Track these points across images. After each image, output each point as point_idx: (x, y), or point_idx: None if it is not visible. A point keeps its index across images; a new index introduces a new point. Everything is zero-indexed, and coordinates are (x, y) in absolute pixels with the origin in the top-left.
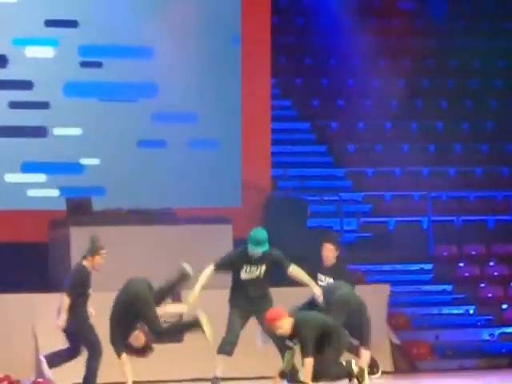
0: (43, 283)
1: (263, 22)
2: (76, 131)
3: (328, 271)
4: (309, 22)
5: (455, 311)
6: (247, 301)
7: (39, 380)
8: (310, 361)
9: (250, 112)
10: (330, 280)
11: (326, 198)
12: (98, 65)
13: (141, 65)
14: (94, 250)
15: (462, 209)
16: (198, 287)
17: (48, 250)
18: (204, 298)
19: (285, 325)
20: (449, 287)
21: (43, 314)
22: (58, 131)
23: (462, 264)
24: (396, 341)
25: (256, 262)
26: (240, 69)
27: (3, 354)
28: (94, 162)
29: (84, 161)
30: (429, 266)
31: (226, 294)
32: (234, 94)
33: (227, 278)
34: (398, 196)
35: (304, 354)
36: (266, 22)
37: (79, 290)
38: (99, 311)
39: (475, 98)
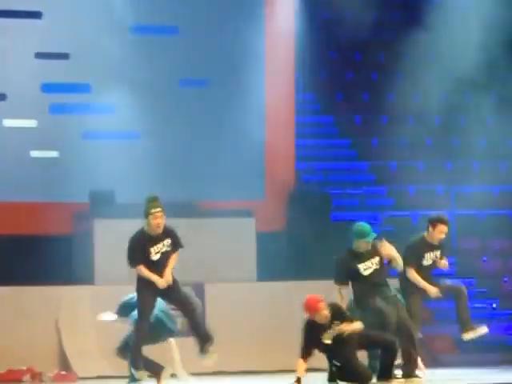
0: (67, 276)
1: (287, 15)
2: None
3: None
4: (334, 16)
5: (478, 305)
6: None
7: (62, 372)
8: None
9: (273, 105)
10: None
11: (349, 192)
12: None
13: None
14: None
15: (486, 203)
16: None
17: (72, 242)
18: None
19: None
20: (472, 281)
21: (66, 307)
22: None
23: (485, 258)
24: (419, 335)
25: (367, 257)
26: (264, 62)
27: (26, 347)
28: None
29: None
30: (452, 260)
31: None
32: (257, 87)
33: None
34: (422, 190)
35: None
36: (290, 14)
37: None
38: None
39: (500, 91)
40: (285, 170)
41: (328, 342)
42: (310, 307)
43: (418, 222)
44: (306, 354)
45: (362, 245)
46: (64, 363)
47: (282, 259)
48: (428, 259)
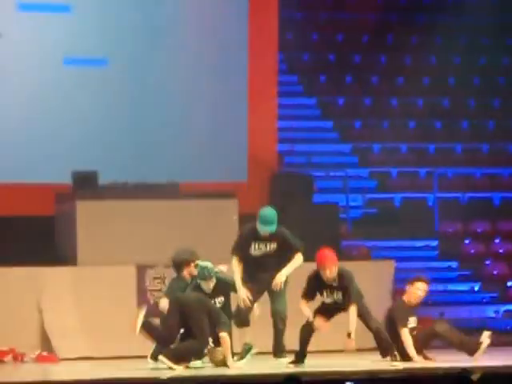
0: (50, 257)
1: None
2: None
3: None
4: None
5: (460, 288)
6: (260, 278)
7: (43, 353)
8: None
9: (256, 87)
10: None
11: (332, 174)
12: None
13: None
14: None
15: (468, 186)
16: (239, 283)
17: (54, 223)
18: None
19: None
20: (454, 264)
21: (49, 287)
22: None
23: (467, 241)
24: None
25: (265, 239)
26: (247, 44)
27: (8, 327)
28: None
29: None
30: (434, 243)
31: None
32: (240, 68)
33: None
34: (404, 172)
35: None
36: None
37: None
38: (104, 284)
39: (482, 75)
40: (267, 151)
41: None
42: (318, 260)
43: (400, 204)
44: (306, 298)
45: (262, 230)
46: (46, 344)
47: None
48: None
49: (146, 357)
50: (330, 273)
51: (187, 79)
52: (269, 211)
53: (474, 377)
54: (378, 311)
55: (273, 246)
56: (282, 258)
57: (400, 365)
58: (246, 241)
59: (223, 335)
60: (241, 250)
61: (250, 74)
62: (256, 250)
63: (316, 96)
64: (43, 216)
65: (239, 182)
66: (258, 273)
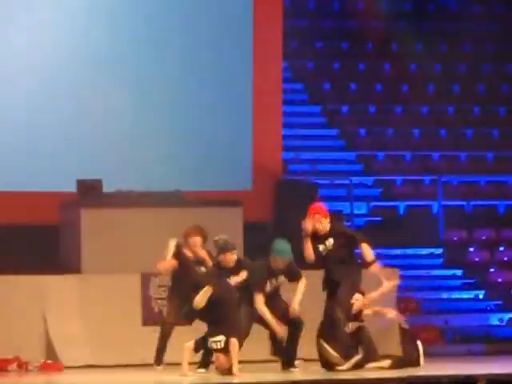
0: (54, 265)
1: (275, 5)
2: None
3: None
4: (321, 5)
5: (465, 296)
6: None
7: (48, 362)
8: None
9: (261, 95)
10: None
11: (336, 182)
12: None
13: None
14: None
15: (473, 193)
16: (273, 322)
17: (58, 232)
18: None
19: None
20: (459, 272)
21: (53, 296)
22: None
23: (472, 249)
24: (405, 325)
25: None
26: (251, 52)
27: (13, 336)
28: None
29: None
30: (439, 251)
31: None
32: (245, 76)
33: None
34: (409, 180)
35: None
36: (278, 5)
37: None
38: (109, 292)
39: (487, 83)
40: (272, 159)
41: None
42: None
43: (404, 212)
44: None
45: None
46: (50, 353)
47: (268, 249)
48: None
49: (150, 365)
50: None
51: (192, 89)
52: (283, 243)
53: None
54: (381, 319)
55: (281, 279)
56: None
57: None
58: (263, 279)
59: (234, 341)
60: (262, 289)
61: (255, 83)
62: (269, 286)
63: (321, 104)
64: (48, 224)
65: (244, 190)
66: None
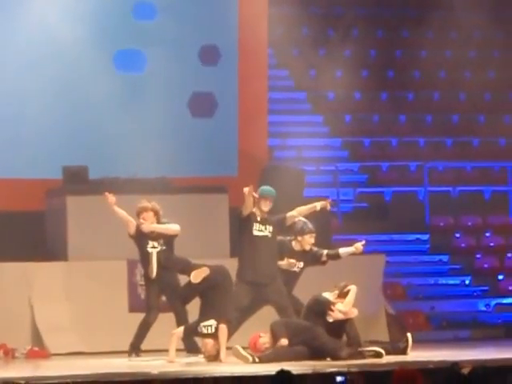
0: (40, 252)
1: None
2: None
3: None
4: None
5: (451, 282)
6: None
7: (34, 348)
8: None
9: (246, 82)
10: None
11: (322, 168)
12: None
13: None
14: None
15: (459, 179)
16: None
17: (45, 219)
18: None
19: None
20: (445, 258)
21: (39, 283)
22: None
23: (458, 234)
24: (391, 311)
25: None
26: (236, 39)
27: None
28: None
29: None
30: (425, 237)
31: None
32: (230, 62)
33: None
34: (395, 166)
35: None
36: None
37: None
38: (95, 278)
39: (473, 69)
40: (258, 146)
41: None
42: None
43: (390, 198)
44: None
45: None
46: (37, 340)
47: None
48: None
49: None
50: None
51: (177, 75)
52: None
53: (465, 370)
54: (368, 304)
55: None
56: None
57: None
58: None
59: (223, 327)
60: None
61: (240, 70)
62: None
63: (306, 90)
64: (34, 211)
65: (230, 176)
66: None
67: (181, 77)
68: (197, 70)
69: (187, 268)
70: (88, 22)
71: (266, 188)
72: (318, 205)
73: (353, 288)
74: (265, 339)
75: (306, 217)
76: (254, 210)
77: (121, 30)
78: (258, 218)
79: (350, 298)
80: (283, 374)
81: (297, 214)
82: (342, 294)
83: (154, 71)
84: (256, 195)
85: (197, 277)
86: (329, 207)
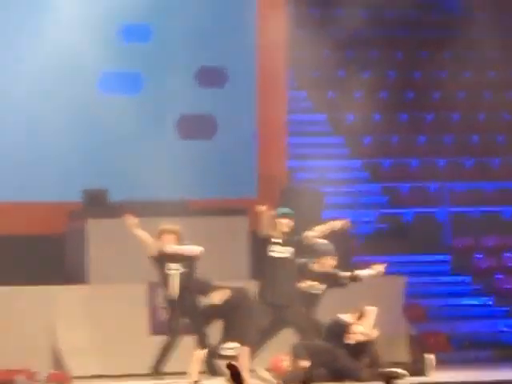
0: (61, 275)
1: (279, 15)
2: None
3: None
4: (327, 13)
5: (473, 302)
6: None
7: (56, 372)
8: None
9: (266, 103)
10: None
11: (342, 190)
12: None
13: None
14: None
15: (479, 200)
16: None
17: (65, 242)
18: None
19: None
20: (466, 278)
21: (61, 306)
22: None
23: (479, 255)
24: (412, 332)
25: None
26: (255, 59)
27: (21, 346)
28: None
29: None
30: (446, 258)
31: None
32: (249, 83)
33: None
34: (415, 187)
35: None
36: (282, 15)
37: None
38: (116, 302)
39: (492, 89)
40: (277, 167)
41: None
42: None
43: (411, 219)
44: None
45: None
46: (58, 363)
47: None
48: None
49: (159, 374)
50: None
51: (196, 97)
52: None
53: None
54: (389, 326)
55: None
56: None
57: None
58: None
59: (246, 349)
60: None
61: (260, 90)
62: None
63: (326, 112)
64: (53, 235)
65: (249, 198)
66: None
67: (201, 97)
68: (216, 91)
69: (208, 289)
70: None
71: (283, 208)
72: (338, 223)
73: (372, 310)
74: (287, 363)
75: (326, 239)
76: (272, 231)
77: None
78: (278, 240)
79: (370, 319)
80: None
81: (316, 234)
82: (362, 316)
83: (174, 92)
84: (272, 213)
85: (218, 298)
86: (347, 226)
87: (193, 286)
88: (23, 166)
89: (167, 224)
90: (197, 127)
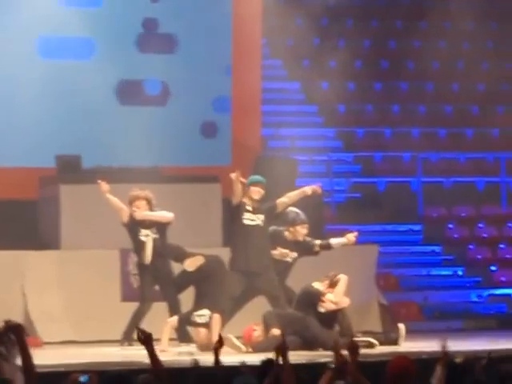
0: (33, 241)
1: None
2: None
3: None
4: None
5: (444, 272)
6: None
7: (27, 337)
8: None
9: (240, 71)
10: None
11: (315, 158)
12: None
13: None
14: None
15: (452, 170)
16: None
17: (37, 207)
18: None
19: None
20: (438, 248)
21: (32, 271)
22: None
23: (451, 225)
24: (384, 301)
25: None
26: (230, 27)
27: None
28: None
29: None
30: (418, 227)
31: None
32: (224, 52)
33: None
34: (388, 157)
35: None
36: None
37: None
38: (88, 267)
39: (466, 60)
40: (251, 135)
41: None
42: None
43: (384, 188)
44: None
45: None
46: (29, 328)
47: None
48: None
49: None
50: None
51: (172, 65)
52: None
53: (458, 360)
54: (361, 295)
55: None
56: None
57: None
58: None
59: (217, 316)
60: None
61: (234, 59)
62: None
63: (300, 80)
64: (26, 200)
65: (223, 166)
66: None
67: (176, 65)
68: (191, 59)
69: (182, 256)
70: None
71: (254, 176)
72: (309, 189)
73: (343, 278)
74: (258, 332)
75: (299, 206)
76: (244, 199)
77: None
78: (249, 207)
79: (341, 287)
80: (268, 363)
81: (287, 200)
82: (333, 284)
83: (151, 63)
84: (244, 181)
85: (191, 265)
86: (319, 192)
87: (166, 253)
88: None
89: (137, 190)
90: (168, 93)
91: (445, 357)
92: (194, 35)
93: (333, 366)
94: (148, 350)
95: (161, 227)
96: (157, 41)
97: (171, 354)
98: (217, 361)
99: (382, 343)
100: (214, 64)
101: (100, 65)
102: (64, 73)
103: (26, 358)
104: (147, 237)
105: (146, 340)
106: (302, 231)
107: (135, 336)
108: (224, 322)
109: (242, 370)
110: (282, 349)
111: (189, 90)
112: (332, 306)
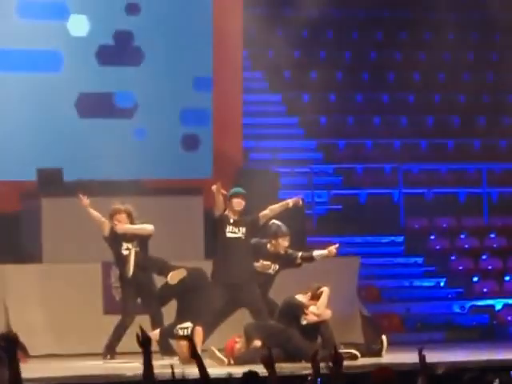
0: (15, 254)
1: None
2: None
3: None
4: None
5: (426, 284)
6: None
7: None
8: None
9: (221, 84)
10: None
11: (297, 170)
12: None
13: None
14: None
15: (433, 181)
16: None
17: (19, 221)
18: None
19: None
20: (420, 260)
21: (14, 285)
22: None
23: (432, 237)
24: (366, 313)
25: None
26: (211, 41)
27: None
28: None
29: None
30: (400, 239)
31: None
32: (205, 66)
33: None
34: (370, 168)
35: None
36: None
37: None
38: (70, 281)
39: (448, 71)
40: (232, 148)
41: None
42: None
43: (365, 200)
44: None
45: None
46: None
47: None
48: None
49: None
50: None
51: (152, 81)
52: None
53: (439, 371)
54: (343, 307)
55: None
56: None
57: None
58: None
59: (199, 329)
60: None
61: (215, 71)
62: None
63: (281, 92)
64: (8, 213)
65: (204, 178)
66: None
67: (156, 79)
68: (173, 71)
69: (165, 269)
70: None
71: (235, 188)
72: (291, 202)
73: (325, 290)
74: (240, 344)
75: (280, 219)
76: (226, 211)
77: None
78: (231, 220)
79: (323, 300)
80: (251, 376)
81: (270, 213)
82: (315, 296)
83: (130, 75)
84: (225, 193)
85: (174, 278)
86: (301, 203)
87: (148, 266)
88: None
89: (118, 204)
90: (140, 107)
91: (426, 368)
92: (172, 48)
93: (310, 378)
94: (145, 354)
95: (142, 240)
96: (130, 54)
97: (154, 367)
98: (205, 373)
99: (364, 355)
100: (190, 76)
101: (70, 77)
102: (38, 86)
103: (15, 372)
104: (129, 250)
105: (145, 343)
106: (283, 243)
107: (117, 349)
108: (206, 334)
109: (229, 381)
110: (267, 360)
111: (166, 103)
112: (315, 318)
